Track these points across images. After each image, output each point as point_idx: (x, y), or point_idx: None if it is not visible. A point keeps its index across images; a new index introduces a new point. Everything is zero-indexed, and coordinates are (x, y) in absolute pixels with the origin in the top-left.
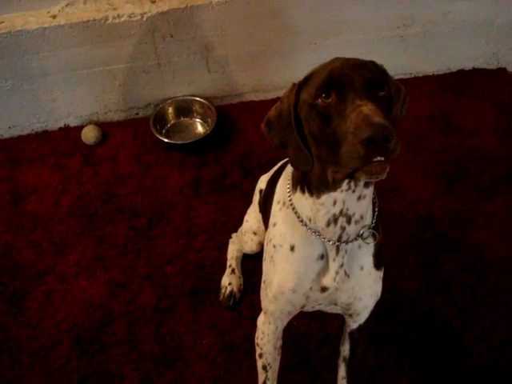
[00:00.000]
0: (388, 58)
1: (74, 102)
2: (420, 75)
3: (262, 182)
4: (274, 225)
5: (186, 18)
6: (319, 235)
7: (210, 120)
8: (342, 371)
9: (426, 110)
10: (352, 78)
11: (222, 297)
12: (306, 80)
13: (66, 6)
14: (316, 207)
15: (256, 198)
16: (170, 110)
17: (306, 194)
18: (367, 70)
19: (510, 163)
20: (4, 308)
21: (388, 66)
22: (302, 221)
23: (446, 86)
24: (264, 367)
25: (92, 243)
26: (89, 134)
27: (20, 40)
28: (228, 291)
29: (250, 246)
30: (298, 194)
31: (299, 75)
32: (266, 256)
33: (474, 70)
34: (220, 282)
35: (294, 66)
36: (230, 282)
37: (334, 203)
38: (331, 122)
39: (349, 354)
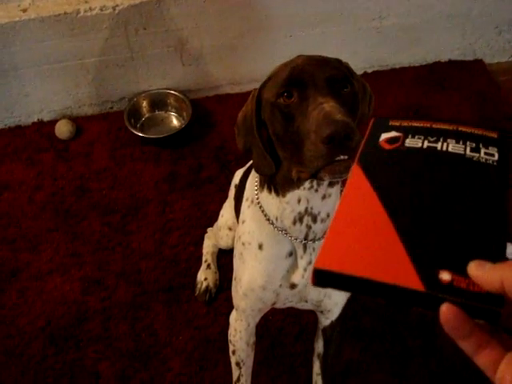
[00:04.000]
0: (364, 50)
1: (47, 96)
2: (396, 67)
3: (238, 177)
4: (243, 222)
5: (158, 10)
6: (286, 233)
7: (185, 113)
8: (316, 367)
9: (403, 102)
10: (314, 76)
11: (197, 292)
12: (268, 80)
13: None
14: (282, 206)
15: (232, 192)
16: (145, 103)
17: (273, 194)
18: (329, 67)
19: None
20: None
21: (364, 58)
22: (268, 219)
23: (422, 78)
24: (237, 364)
25: (66, 239)
26: (62, 129)
27: None
28: (204, 286)
29: (226, 242)
30: (265, 193)
31: (273, 68)
32: (235, 253)
33: (451, 62)
34: (196, 278)
35: (269, 58)
36: (205, 277)
37: (299, 201)
38: (294, 120)
39: (322, 351)
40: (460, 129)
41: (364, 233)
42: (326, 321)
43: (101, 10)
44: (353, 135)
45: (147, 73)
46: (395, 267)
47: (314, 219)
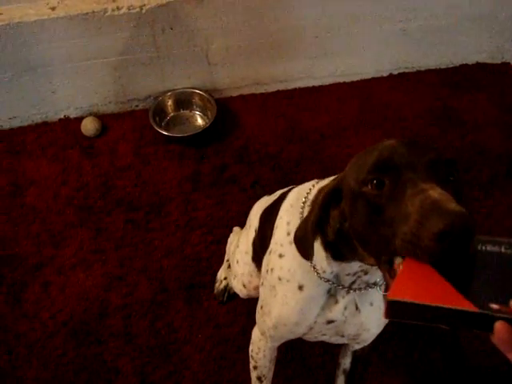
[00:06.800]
0: (390, 52)
1: (74, 93)
2: (422, 69)
3: (256, 218)
4: (281, 256)
5: (185, 10)
6: (332, 283)
7: (209, 113)
8: (340, 382)
9: (428, 105)
10: (411, 158)
11: (215, 290)
12: (351, 166)
13: None
14: (342, 266)
15: (250, 235)
16: (170, 102)
17: (329, 257)
18: (429, 149)
19: (511, 159)
20: (2, 299)
21: (390, 60)
22: (314, 267)
23: (448, 81)
24: (259, 378)
25: (90, 235)
26: (88, 126)
27: (19, 32)
28: (222, 285)
29: (238, 293)
30: (320, 250)
31: (299, 69)
32: (265, 282)
33: (478, 65)
34: (216, 275)
35: (294, 59)
36: (225, 276)
37: (361, 265)
38: (383, 212)
39: (349, 368)
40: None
41: (425, 282)
42: (358, 346)
43: (128, 9)
44: (474, 232)
45: (173, 72)
46: (454, 300)
47: (366, 273)
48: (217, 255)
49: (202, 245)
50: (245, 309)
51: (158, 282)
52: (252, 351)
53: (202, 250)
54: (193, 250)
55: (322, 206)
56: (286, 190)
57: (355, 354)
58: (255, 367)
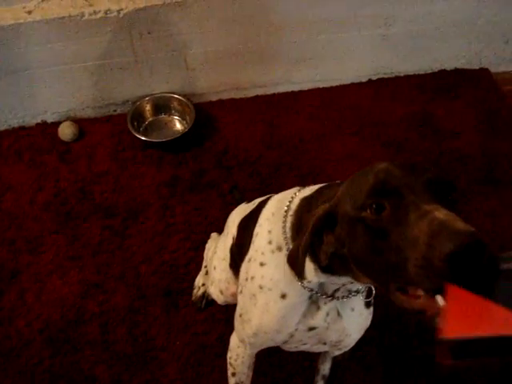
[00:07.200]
0: (369, 57)
1: (52, 97)
2: (401, 75)
3: (233, 225)
4: (262, 264)
5: (163, 14)
6: (315, 292)
7: (188, 117)
8: None
9: (407, 111)
10: (408, 180)
11: (193, 296)
12: (345, 191)
13: (42, 1)
14: (330, 279)
15: (227, 242)
16: (148, 107)
17: (318, 269)
18: (425, 169)
19: (488, 165)
20: None
21: (369, 65)
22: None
23: (427, 87)
24: None
25: (66, 242)
26: (66, 131)
27: None
28: (201, 292)
29: (216, 300)
30: (306, 260)
31: (279, 74)
32: (244, 290)
33: (456, 71)
34: (194, 282)
35: (273, 64)
36: (203, 282)
37: (352, 280)
38: (386, 237)
39: (328, 373)
40: None
41: (478, 313)
42: (338, 352)
43: (105, 13)
44: (488, 249)
45: (151, 76)
46: None
47: (352, 282)
48: (195, 261)
49: (180, 251)
50: (223, 315)
51: (136, 288)
52: (230, 358)
53: (180, 256)
54: (171, 256)
55: (314, 232)
56: (264, 198)
57: (335, 359)
58: (233, 374)
